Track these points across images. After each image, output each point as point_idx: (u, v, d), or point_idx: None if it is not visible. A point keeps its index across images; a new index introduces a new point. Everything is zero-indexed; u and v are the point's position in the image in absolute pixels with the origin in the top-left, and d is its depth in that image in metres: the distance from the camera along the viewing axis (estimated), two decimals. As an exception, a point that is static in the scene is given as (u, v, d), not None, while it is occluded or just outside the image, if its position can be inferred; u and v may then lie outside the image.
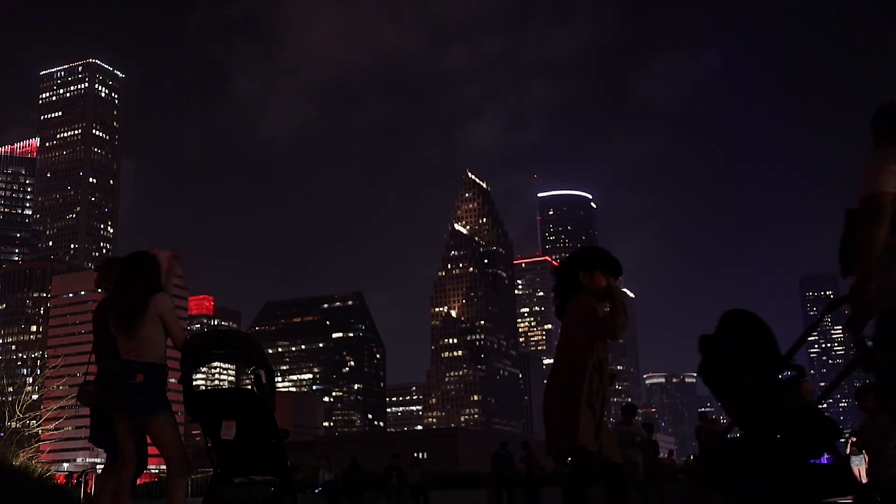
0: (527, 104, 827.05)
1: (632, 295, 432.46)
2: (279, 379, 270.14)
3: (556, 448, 4.95)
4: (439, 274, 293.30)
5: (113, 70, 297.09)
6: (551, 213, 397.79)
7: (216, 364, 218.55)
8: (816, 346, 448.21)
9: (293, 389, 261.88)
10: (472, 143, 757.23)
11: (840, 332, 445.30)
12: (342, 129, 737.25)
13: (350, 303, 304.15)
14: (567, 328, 5.07)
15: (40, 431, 50.66)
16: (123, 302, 5.99)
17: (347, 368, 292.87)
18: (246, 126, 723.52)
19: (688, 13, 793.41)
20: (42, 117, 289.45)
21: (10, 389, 49.00)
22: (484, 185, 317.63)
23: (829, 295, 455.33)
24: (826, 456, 3.81)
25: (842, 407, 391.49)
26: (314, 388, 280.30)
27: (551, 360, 7.78)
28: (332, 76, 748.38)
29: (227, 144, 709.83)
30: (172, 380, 6.30)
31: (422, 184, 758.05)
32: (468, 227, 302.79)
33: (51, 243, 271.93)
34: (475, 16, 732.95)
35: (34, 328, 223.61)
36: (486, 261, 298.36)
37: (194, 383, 6.64)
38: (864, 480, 9.47)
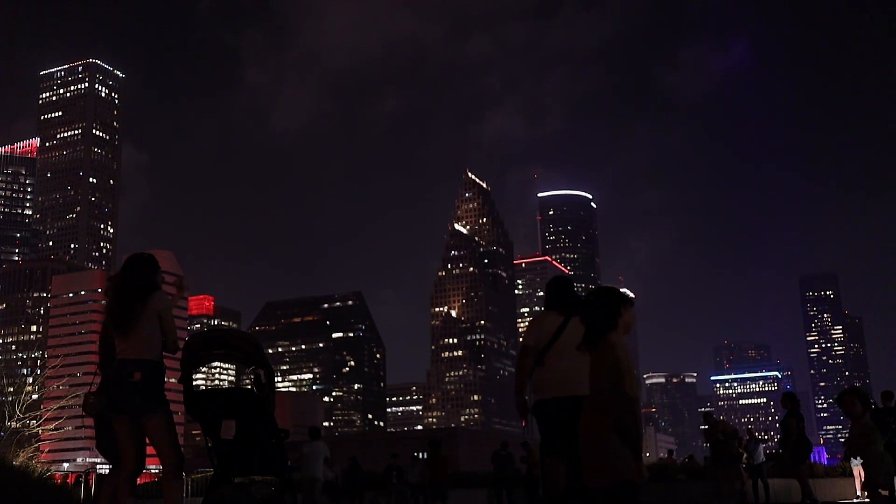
0: (546, 97, 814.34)
1: (632, 294, 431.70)
2: (279, 379, 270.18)
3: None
4: (439, 274, 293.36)
5: (113, 70, 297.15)
6: (551, 213, 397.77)
7: (216, 364, 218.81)
8: (816, 346, 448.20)
9: (293, 389, 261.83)
10: (488, 138, 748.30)
11: (840, 332, 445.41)
12: (353, 122, 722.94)
13: (350, 303, 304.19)
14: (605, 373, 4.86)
15: (40, 431, 50.68)
16: (120, 302, 6.06)
17: (347, 368, 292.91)
18: (255, 120, 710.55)
19: (717, 3, 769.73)
20: (42, 117, 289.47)
21: (11, 389, 48.97)
22: (484, 185, 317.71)
23: (829, 295, 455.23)
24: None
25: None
26: (314, 388, 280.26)
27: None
28: (346, 65, 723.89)
29: (233, 140, 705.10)
30: (172, 380, 6.31)
31: (434, 180, 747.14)
32: (468, 227, 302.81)
33: (51, 243, 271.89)
34: (499, 2, 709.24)
35: (34, 328, 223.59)
36: (486, 261, 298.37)
37: (194, 383, 6.67)
38: (863, 480, 9.60)
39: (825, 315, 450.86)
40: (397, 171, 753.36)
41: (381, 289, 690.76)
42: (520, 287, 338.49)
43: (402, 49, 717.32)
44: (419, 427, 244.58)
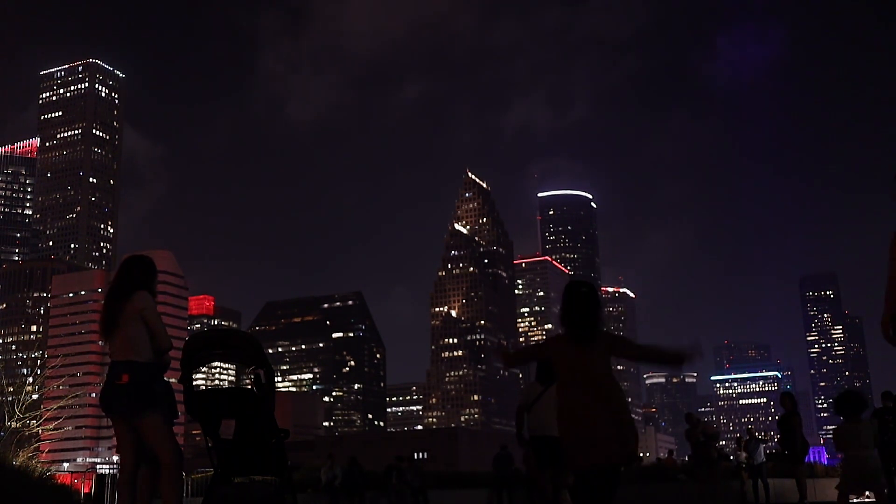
0: (573, 86, 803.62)
1: (631, 295, 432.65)
2: (279, 379, 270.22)
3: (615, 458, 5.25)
4: (439, 274, 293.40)
5: (113, 70, 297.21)
6: (551, 212, 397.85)
7: (216, 364, 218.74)
8: (816, 346, 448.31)
9: (293, 389, 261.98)
10: (510, 129, 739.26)
11: (840, 332, 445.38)
12: (370, 113, 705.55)
13: (350, 303, 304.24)
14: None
15: (40, 431, 50.68)
16: (104, 306, 6.09)
17: (347, 368, 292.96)
18: (266, 117, 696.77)
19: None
20: (42, 117, 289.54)
21: (10, 389, 48.96)
22: (484, 185, 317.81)
23: (829, 295, 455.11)
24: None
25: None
26: (314, 388, 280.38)
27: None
28: (368, 50, 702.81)
29: (237, 140, 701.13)
30: (173, 380, 6.31)
31: (443, 177, 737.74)
32: (468, 227, 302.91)
33: (51, 243, 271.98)
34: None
35: (34, 328, 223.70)
36: (486, 261, 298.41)
37: (194, 383, 6.66)
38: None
39: (825, 315, 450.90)
40: (408, 169, 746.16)
41: (382, 289, 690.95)
42: (520, 287, 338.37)
43: (427, 33, 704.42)
44: (419, 427, 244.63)
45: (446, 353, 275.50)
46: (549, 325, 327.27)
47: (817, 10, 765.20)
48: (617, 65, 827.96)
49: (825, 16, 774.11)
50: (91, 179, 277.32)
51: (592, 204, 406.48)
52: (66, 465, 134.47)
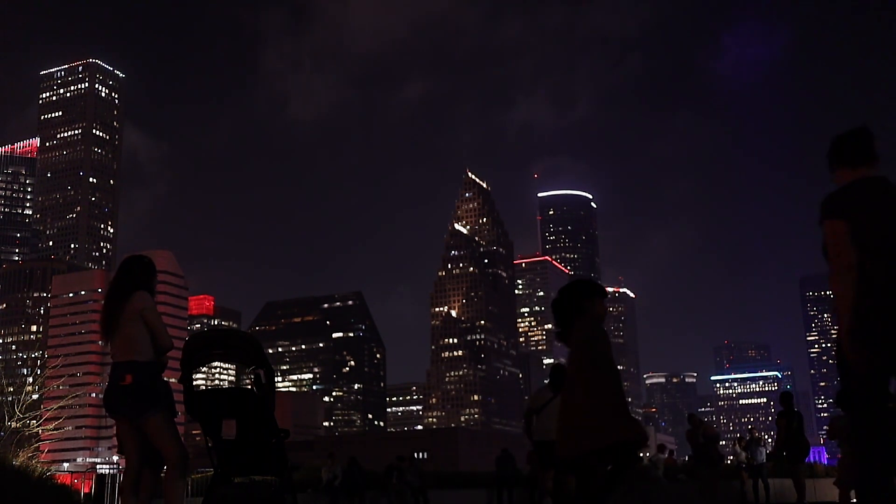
0: (577, 87, 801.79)
1: (632, 295, 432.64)
2: (279, 379, 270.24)
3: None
4: (439, 274, 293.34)
5: (113, 70, 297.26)
6: (551, 213, 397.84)
7: (216, 364, 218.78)
8: (816, 345, 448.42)
9: (293, 389, 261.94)
10: (513, 128, 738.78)
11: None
12: (371, 113, 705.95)
13: (350, 303, 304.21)
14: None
15: (40, 431, 50.64)
16: (104, 307, 6.08)
17: (347, 368, 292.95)
18: (267, 117, 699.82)
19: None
20: (42, 117, 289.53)
21: (11, 389, 48.92)
22: (484, 185, 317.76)
23: (829, 295, 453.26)
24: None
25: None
26: (314, 388, 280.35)
27: (551, 360, 8.67)
28: (370, 49, 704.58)
29: (238, 141, 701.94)
30: (173, 380, 6.31)
31: (444, 177, 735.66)
32: (468, 227, 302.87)
33: (51, 243, 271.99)
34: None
35: (34, 328, 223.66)
36: (486, 261, 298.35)
37: (194, 383, 6.66)
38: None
39: (825, 315, 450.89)
40: (408, 169, 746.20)
41: (382, 289, 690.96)
42: (520, 287, 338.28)
43: (430, 32, 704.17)
44: (419, 427, 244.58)
45: (446, 353, 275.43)
46: (549, 325, 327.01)
47: (822, 11, 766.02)
48: (620, 64, 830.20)
49: (830, 16, 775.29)
50: (91, 179, 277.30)
51: (592, 204, 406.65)
52: (66, 465, 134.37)
